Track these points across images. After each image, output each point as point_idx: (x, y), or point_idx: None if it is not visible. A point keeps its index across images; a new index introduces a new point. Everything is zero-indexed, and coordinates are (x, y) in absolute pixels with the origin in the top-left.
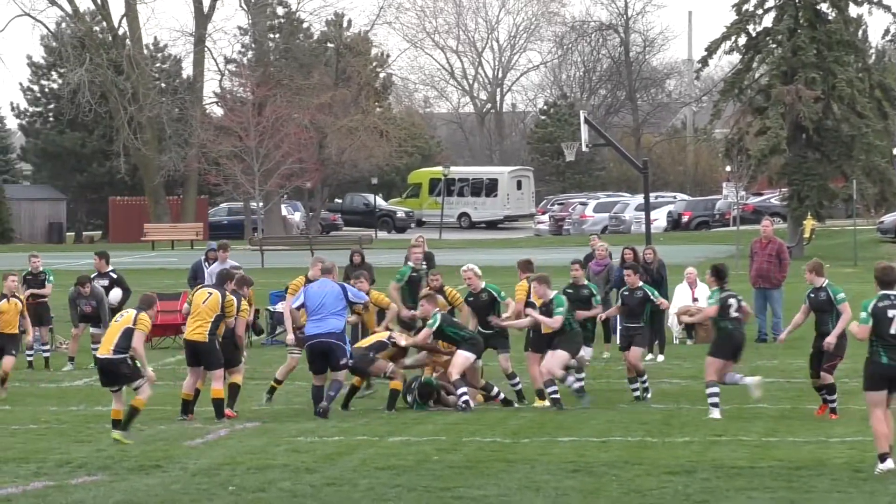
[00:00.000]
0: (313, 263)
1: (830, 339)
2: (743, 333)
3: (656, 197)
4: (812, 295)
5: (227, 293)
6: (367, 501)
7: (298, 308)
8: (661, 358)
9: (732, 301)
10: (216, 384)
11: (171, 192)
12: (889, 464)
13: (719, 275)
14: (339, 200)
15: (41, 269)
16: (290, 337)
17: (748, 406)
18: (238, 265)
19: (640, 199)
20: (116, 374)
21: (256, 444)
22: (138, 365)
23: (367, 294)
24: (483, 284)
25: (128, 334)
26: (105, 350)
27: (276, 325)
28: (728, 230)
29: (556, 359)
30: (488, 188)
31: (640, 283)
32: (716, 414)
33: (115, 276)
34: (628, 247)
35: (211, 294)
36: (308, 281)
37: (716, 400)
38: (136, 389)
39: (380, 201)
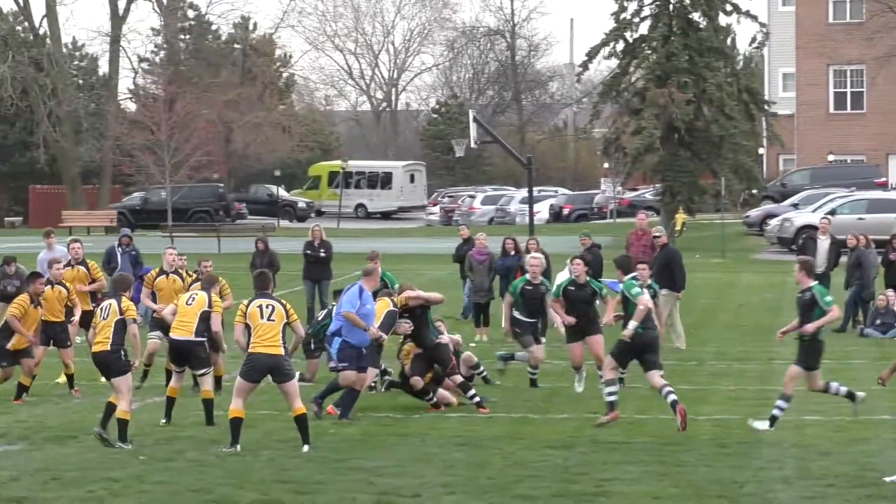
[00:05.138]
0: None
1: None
2: None
3: (539, 191)
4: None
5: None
6: (268, 471)
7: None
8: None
9: None
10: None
11: (88, 181)
12: None
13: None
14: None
15: None
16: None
17: (626, 387)
18: (64, 252)
19: (524, 192)
20: None
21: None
22: None
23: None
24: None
25: None
26: None
27: None
28: (605, 222)
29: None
30: (383, 181)
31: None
32: None
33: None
34: (509, 237)
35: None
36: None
37: None
38: None
39: (282, 192)
